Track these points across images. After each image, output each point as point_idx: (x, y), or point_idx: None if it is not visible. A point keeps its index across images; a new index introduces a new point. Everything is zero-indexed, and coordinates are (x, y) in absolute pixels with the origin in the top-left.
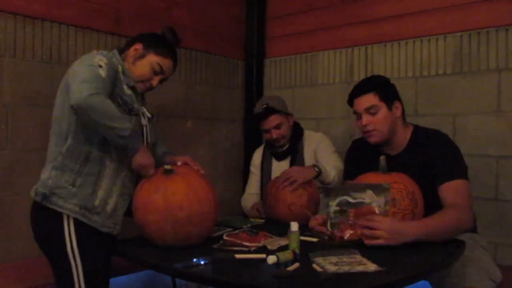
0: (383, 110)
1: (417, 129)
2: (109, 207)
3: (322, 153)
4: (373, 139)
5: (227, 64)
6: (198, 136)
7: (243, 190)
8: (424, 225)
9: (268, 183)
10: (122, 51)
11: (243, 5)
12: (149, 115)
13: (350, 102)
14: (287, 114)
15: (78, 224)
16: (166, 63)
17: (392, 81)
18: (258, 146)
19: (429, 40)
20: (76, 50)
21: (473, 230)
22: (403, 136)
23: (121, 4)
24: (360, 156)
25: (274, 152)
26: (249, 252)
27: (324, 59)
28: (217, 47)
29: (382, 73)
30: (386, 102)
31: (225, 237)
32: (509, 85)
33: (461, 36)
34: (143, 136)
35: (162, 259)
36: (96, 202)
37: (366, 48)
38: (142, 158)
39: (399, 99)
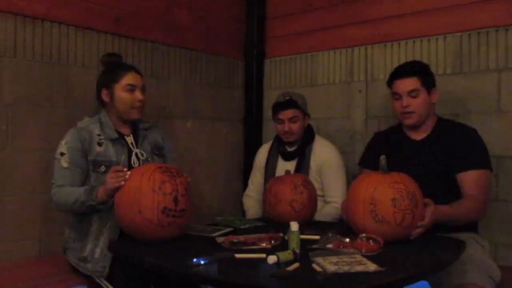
0: (423, 94)
1: (441, 119)
2: (97, 254)
3: (328, 178)
4: (410, 121)
5: (227, 64)
6: (198, 136)
7: (244, 190)
8: (443, 212)
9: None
10: (105, 104)
11: (243, 5)
12: (142, 157)
13: (391, 82)
14: (305, 113)
15: None
16: (129, 78)
17: None
18: (258, 146)
19: (429, 40)
20: (76, 50)
21: (474, 229)
22: (430, 123)
23: (121, 4)
24: (383, 146)
25: (282, 151)
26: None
27: (324, 59)
28: (217, 47)
29: (382, 73)
30: (427, 87)
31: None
32: (509, 85)
33: (461, 36)
34: None
35: (162, 259)
36: (85, 254)
37: (366, 48)
38: (107, 196)
39: (436, 87)
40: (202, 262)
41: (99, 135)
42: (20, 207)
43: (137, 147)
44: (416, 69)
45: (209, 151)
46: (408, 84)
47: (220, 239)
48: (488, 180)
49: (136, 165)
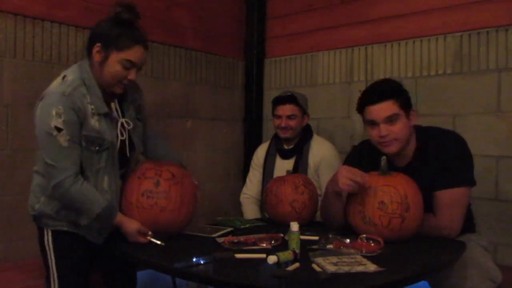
0: (403, 119)
1: (419, 133)
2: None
3: (325, 176)
4: (391, 149)
5: (227, 64)
6: (198, 136)
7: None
8: None
9: (269, 181)
10: (91, 59)
11: (243, 5)
12: (129, 126)
13: (362, 109)
14: (304, 112)
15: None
16: (135, 53)
17: None
18: (258, 146)
19: (429, 40)
20: (76, 50)
21: (471, 230)
22: (412, 147)
23: None
24: (364, 162)
25: (280, 149)
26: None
27: (324, 59)
28: (217, 47)
29: (382, 73)
30: (405, 110)
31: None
32: (509, 85)
33: (461, 36)
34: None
35: (162, 259)
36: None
37: (366, 48)
38: (124, 229)
39: (413, 107)
40: (202, 262)
41: (90, 103)
42: (20, 207)
43: (123, 115)
44: (390, 90)
45: (209, 151)
46: (384, 109)
47: (220, 239)
48: (461, 198)
49: (123, 138)
